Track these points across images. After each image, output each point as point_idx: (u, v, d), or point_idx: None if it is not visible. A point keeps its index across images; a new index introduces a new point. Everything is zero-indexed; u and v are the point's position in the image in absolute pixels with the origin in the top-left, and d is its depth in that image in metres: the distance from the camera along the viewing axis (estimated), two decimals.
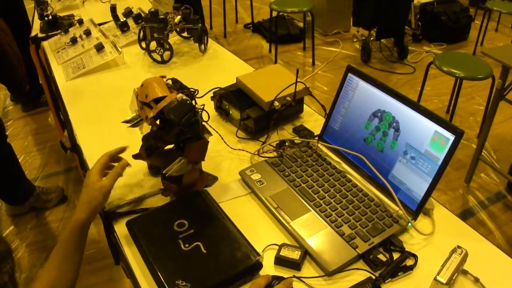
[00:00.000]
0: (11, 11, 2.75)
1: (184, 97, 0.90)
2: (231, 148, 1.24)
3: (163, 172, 0.95)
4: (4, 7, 2.61)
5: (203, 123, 1.00)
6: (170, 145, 1.05)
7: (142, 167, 1.16)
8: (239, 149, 1.24)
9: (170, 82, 0.99)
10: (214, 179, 1.13)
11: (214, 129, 1.23)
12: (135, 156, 1.08)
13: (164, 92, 0.91)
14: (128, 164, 1.04)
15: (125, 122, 1.07)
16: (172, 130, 0.96)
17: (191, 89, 0.96)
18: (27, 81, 2.13)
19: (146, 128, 1.06)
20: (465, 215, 2.44)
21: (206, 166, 1.17)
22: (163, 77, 0.95)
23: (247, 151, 1.23)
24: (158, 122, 0.98)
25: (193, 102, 0.94)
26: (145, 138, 1.04)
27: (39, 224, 2.34)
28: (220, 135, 1.26)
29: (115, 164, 1.03)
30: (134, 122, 1.04)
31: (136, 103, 0.97)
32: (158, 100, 0.90)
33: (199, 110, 0.95)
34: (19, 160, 2.31)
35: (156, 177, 1.14)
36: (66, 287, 0.91)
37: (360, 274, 0.88)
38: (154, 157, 1.03)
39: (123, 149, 1.05)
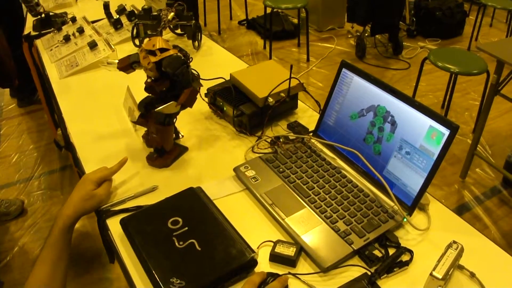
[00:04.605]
0: (4, 8, 2.74)
1: (181, 55, 1.11)
2: (225, 144, 1.23)
3: (155, 110, 1.09)
4: None
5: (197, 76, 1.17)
6: (162, 101, 1.12)
7: (137, 166, 1.16)
8: (233, 146, 1.23)
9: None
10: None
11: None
12: (137, 122, 1.17)
13: (168, 47, 1.10)
14: (126, 161, 1.11)
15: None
16: (165, 82, 1.10)
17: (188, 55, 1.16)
18: (16, 76, 2.11)
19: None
20: (461, 210, 2.45)
21: (200, 161, 1.17)
22: (167, 41, 1.13)
23: (241, 148, 1.22)
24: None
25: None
26: (141, 102, 1.16)
27: None
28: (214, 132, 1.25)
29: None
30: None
31: (140, 54, 1.11)
32: (162, 51, 1.09)
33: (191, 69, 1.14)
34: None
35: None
36: (61, 285, 0.91)
37: (356, 270, 0.88)
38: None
39: (125, 162, 1.10)
